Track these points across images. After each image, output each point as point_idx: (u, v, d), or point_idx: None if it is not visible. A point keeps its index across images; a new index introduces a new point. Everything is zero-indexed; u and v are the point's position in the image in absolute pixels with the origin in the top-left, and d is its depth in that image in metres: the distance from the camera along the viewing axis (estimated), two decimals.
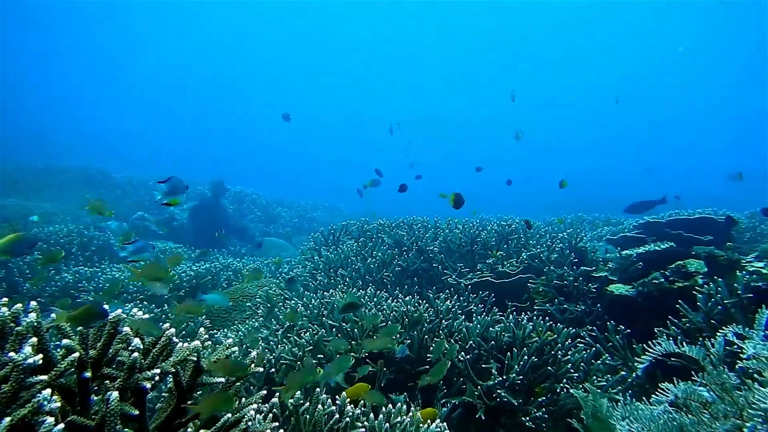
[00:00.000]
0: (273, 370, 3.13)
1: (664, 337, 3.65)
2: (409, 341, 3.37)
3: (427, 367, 3.35)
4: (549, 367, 3.23)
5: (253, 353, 2.34)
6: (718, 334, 3.18)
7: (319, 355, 3.26)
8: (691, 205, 7.17)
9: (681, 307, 3.71)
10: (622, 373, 3.40)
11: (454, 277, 5.10)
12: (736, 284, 3.60)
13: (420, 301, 4.00)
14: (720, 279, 3.70)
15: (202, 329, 2.17)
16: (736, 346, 2.99)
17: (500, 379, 3.09)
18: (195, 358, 1.87)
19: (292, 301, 4.26)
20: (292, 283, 4.54)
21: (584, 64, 44.16)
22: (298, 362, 3.16)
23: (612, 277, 4.84)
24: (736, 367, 2.81)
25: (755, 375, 2.51)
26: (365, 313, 3.58)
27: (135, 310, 2.03)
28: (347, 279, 4.90)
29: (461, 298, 4.51)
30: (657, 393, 3.65)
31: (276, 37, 48.01)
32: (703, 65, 40.62)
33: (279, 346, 3.40)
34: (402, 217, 6.52)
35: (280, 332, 3.60)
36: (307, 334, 3.41)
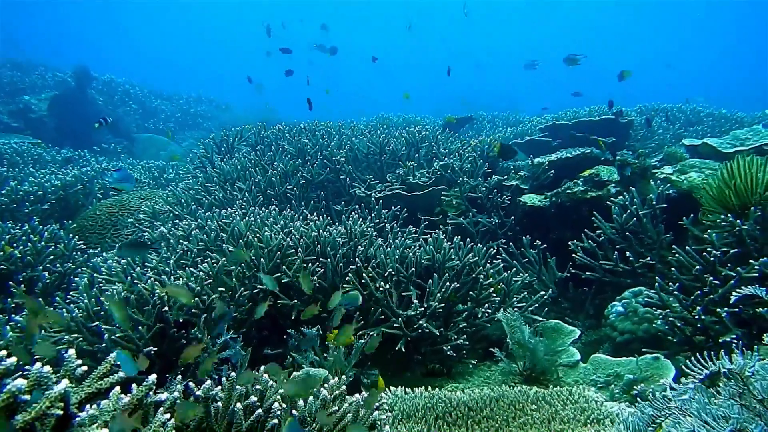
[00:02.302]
0: (166, 308, 2.79)
1: (580, 250, 3.73)
2: (321, 271, 3.15)
3: None
4: (471, 292, 3.19)
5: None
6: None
7: (220, 289, 2.96)
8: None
9: (595, 219, 3.78)
10: (542, 293, 3.44)
11: (362, 189, 4.88)
12: (650, 194, 3.67)
13: (330, 221, 3.76)
14: (633, 188, 3.76)
15: (72, 351, 1.64)
16: None
17: (422, 309, 2.99)
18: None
19: (184, 222, 3.84)
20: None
21: None
22: (196, 298, 2.85)
23: (523, 185, 4.86)
24: None
25: None
26: (270, 237, 3.28)
27: None
28: (246, 194, 4.50)
29: (372, 214, 4.33)
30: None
31: None
32: None
33: (171, 278, 3.04)
34: (303, 122, 6.08)
35: (171, 261, 3.23)
36: (206, 263, 3.07)
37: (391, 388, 2.30)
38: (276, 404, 1.46)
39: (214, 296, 2.88)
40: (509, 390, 2.06)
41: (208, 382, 1.64)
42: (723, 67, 38.61)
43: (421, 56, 37.71)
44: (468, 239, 3.56)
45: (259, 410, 1.48)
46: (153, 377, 1.67)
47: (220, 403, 1.57)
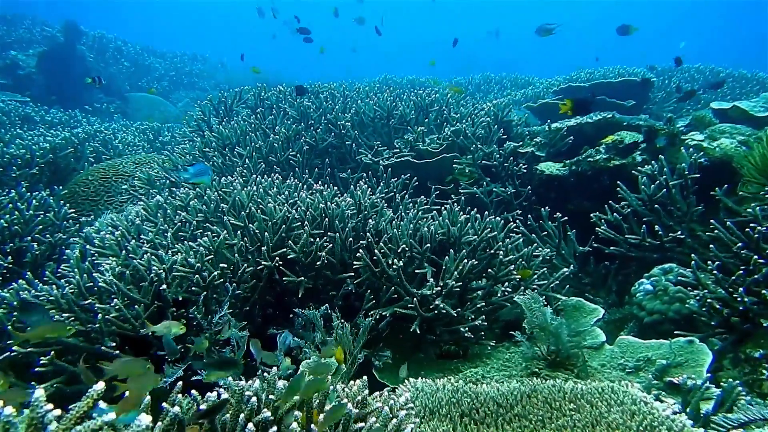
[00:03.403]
0: (164, 286, 2.61)
1: (603, 223, 3.55)
2: (329, 246, 2.96)
3: (352, 274, 3.00)
4: (490, 269, 3.01)
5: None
6: None
7: (221, 265, 2.78)
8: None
9: (621, 190, 3.57)
10: (564, 270, 3.26)
11: (369, 156, 4.66)
12: (681, 163, 3.46)
13: (337, 191, 3.56)
14: (662, 156, 3.55)
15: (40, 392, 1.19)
16: None
17: (438, 288, 2.82)
18: None
19: (182, 190, 3.63)
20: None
21: None
22: (196, 276, 2.66)
23: (539, 152, 4.65)
24: None
25: None
26: (274, 209, 3.09)
27: None
28: (247, 160, 4.28)
29: (381, 184, 4.12)
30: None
31: None
32: None
33: (169, 252, 2.85)
34: (306, 83, 5.79)
35: (169, 233, 3.03)
36: (206, 237, 2.88)
37: (411, 380, 2.13)
38: (295, 425, 1.28)
39: (215, 273, 2.70)
40: (542, 384, 1.90)
41: (214, 394, 1.46)
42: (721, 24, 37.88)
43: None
44: (482, 210, 3.38)
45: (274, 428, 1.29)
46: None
47: (228, 415, 1.38)
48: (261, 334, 2.91)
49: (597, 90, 5.76)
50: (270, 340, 2.86)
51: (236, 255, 2.88)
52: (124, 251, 2.86)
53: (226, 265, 2.80)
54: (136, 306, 2.58)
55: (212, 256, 2.81)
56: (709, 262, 2.74)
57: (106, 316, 2.52)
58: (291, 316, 2.89)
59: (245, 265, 2.87)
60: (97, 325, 2.53)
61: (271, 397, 1.41)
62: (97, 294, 2.68)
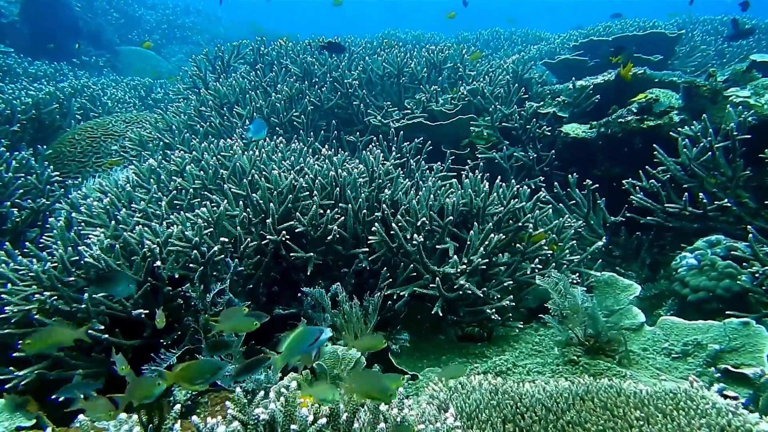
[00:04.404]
0: (158, 263, 2.35)
1: (639, 191, 3.29)
2: (341, 218, 2.69)
3: (366, 249, 2.74)
4: (518, 244, 2.75)
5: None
6: None
7: (222, 239, 2.51)
8: None
9: (658, 153, 3.29)
10: (598, 243, 2.99)
11: (378, 117, 4.35)
12: (726, 123, 3.17)
13: (347, 156, 3.27)
14: (705, 115, 3.25)
15: None
16: None
17: (462, 266, 2.56)
18: None
19: (177, 153, 3.33)
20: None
21: None
22: (194, 251, 2.40)
23: (561, 113, 4.34)
24: None
25: None
26: (280, 176, 2.81)
27: None
28: (247, 121, 3.96)
29: (393, 148, 3.83)
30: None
31: None
32: None
33: (164, 223, 2.58)
34: (308, 38, 5.41)
35: (164, 202, 2.75)
36: (204, 208, 2.60)
37: (442, 381, 1.89)
38: None
39: (215, 248, 2.43)
40: (596, 385, 1.66)
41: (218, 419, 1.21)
42: None
43: None
44: (501, 176, 3.11)
45: None
46: None
47: None
48: (266, 313, 2.69)
49: (620, 43, 5.41)
50: (276, 322, 2.63)
51: (238, 228, 2.61)
52: (113, 221, 2.59)
53: (227, 240, 2.54)
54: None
55: (212, 229, 2.54)
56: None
57: (94, 295, 2.26)
58: (299, 294, 2.65)
59: (248, 239, 2.61)
60: (83, 305, 2.28)
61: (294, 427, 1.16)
62: (84, 270, 2.41)
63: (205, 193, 2.89)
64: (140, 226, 2.47)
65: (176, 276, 2.42)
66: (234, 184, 2.91)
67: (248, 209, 2.71)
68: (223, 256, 2.48)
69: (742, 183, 3.06)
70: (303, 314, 2.63)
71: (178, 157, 3.19)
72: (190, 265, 2.41)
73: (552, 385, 1.72)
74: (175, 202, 2.88)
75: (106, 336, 2.26)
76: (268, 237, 2.63)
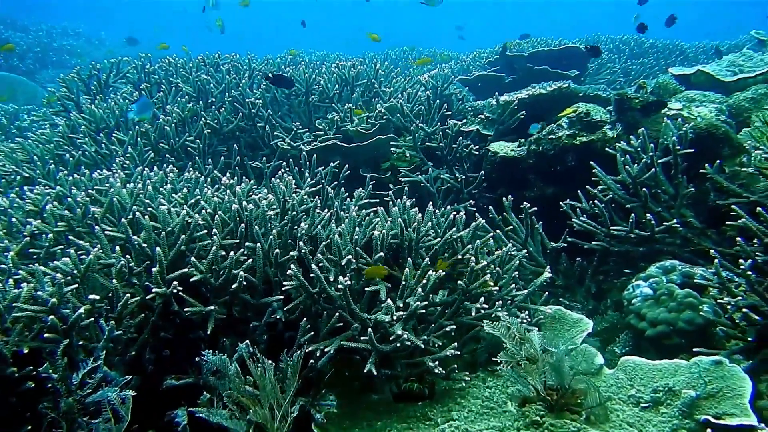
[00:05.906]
0: None
1: (580, 213, 3.07)
2: (248, 260, 2.23)
3: (281, 297, 2.29)
4: (459, 281, 2.39)
5: None
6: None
7: (92, 296, 1.97)
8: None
9: (597, 172, 3.09)
10: (545, 274, 2.67)
11: (287, 140, 3.92)
12: (665, 137, 3.02)
13: (253, 185, 2.82)
14: (642, 130, 3.08)
15: None
16: None
17: (399, 312, 2.17)
18: None
19: (38, 189, 2.73)
20: None
21: None
22: (51, 316, 1.84)
23: (485, 131, 4.11)
24: None
25: None
26: (169, 213, 2.31)
27: None
28: (130, 148, 3.39)
29: (306, 174, 3.41)
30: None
31: None
32: None
33: (11, 281, 2.00)
34: (201, 54, 4.91)
35: (12, 252, 2.16)
36: (68, 256, 2.05)
37: None
38: None
39: (81, 309, 1.89)
40: None
41: None
42: None
43: None
44: (427, 201, 2.78)
45: None
46: None
47: None
48: (154, 388, 2.15)
49: (536, 59, 5.35)
50: (167, 395, 2.11)
51: (114, 280, 2.08)
52: None
53: (98, 297, 2.00)
54: None
55: (77, 285, 1.99)
56: (741, 260, 2.25)
57: None
58: (197, 359, 2.14)
59: (129, 293, 2.07)
60: None
61: None
62: None
63: (72, 237, 2.32)
64: None
65: (24, 351, 1.84)
66: (110, 224, 2.37)
67: (129, 255, 2.19)
68: (92, 318, 1.94)
69: (686, 201, 2.91)
70: (202, 383, 2.13)
71: (37, 194, 2.60)
72: (46, 335, 1.85)
73: None
74: (31, 250, 2.29)
75: None
76: (154, 290, 2.11)
